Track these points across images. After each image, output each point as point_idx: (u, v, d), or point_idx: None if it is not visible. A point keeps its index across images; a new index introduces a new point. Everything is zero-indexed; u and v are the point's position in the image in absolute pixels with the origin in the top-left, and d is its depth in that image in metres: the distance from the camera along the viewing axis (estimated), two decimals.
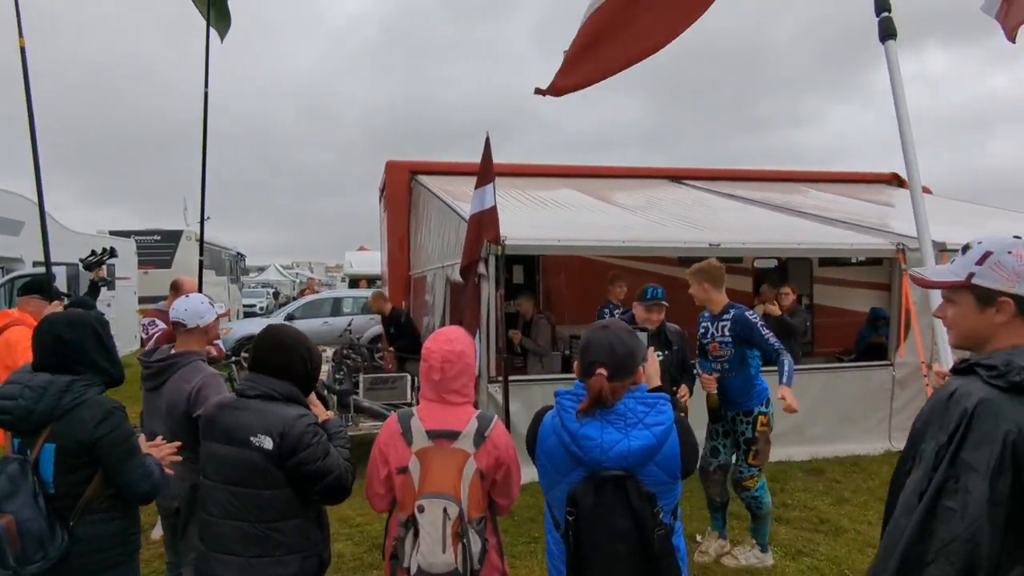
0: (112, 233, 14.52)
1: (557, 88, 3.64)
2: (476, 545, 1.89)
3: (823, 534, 4.25)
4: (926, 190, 10.93)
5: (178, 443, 2.30)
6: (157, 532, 4.50)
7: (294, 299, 20.83)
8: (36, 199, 4.35)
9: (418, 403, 2.13)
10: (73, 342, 2.12)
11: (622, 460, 1.74)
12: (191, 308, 2.83)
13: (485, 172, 5.23)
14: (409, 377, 6.23)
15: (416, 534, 1.86)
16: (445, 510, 1.85)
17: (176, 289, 4.82)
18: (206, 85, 4.27)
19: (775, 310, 6.35)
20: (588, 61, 3.55)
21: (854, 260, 9.71)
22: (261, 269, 40.08)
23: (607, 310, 6.03)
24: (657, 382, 1.99)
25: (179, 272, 16.12)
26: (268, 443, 1.98)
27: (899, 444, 6.19)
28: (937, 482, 1.29)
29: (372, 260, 17.48)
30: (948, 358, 2.72)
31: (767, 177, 10.69)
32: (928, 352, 6.11)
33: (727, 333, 3.84)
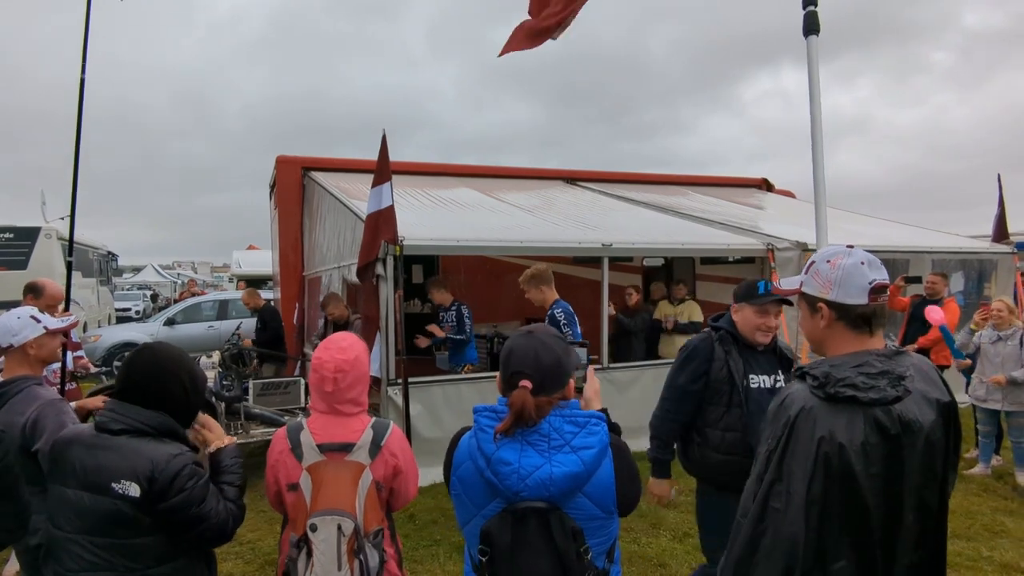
0: None
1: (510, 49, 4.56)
2: (373, 559, 1.85)
3: None
4: (789, 194, 12.08)
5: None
6: (11, 568, 4.06)
7: (174, 302, 19.34)
8: None
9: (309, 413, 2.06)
10: None
11: (542, 489, 1.48)
12: (1, 325, 2.35)
13: (382, 171, 5.14)
14: (303, 381, 6.03)
15: (309, 554, 1.80)
16: (340, 527, 1.80)
17: (34, 293, 4.35)
18: (83, 71, 3.85)
19: (611, 310, 6.65)
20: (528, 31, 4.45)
21: (731, 259, 10.53)
22: (137, 270, 36.90)
23: None
24: (597, 406, 1.71)
25: (37, 273, 14.50)
26: (135, 490, 1.71)
27: None
28: (766, 485, 1.40)
29: (262, 260, 16.59)
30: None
31: (654, 180, 11.29)
32: (795, 345, 6.75)
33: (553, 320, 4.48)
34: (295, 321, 8.84)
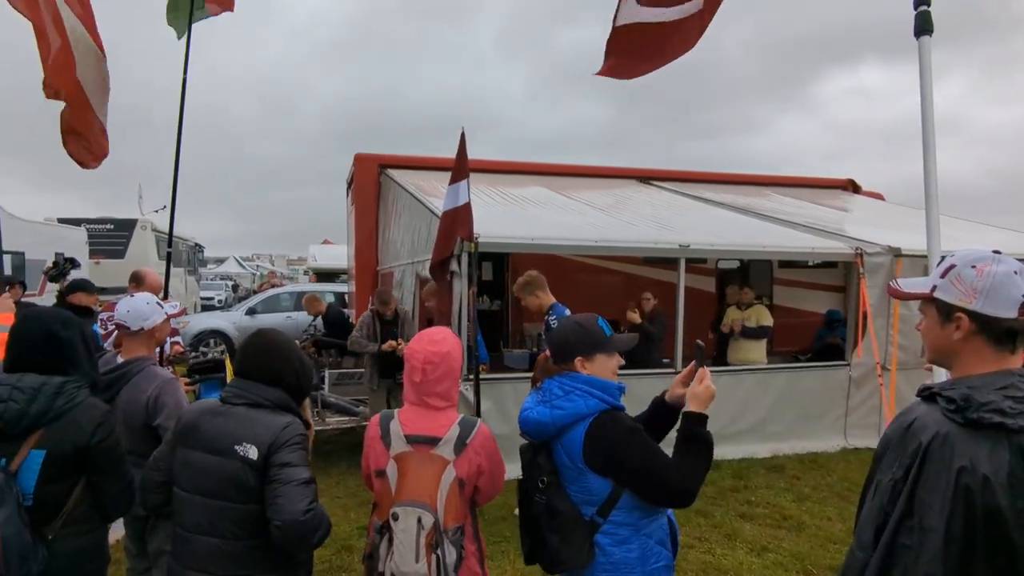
0: (61, 221, 13.87)
1: (610, 71, 4.24)
2: (451, 556, 1.86)
3: (786, 530, 4.38)
4: (878, 196, 11.40)
5: None
6: (115, 534, 4.34)
7: (254, 292, 20.32)
8: None
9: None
10: (67, 341, 2.00)
11: (525, 426, 1.92)
12: (134, 309, 2.56)
13: (459, 168, 5.18)
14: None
15: (390, 541, 1.83)
16: (420, 519, 1.82)
17: (137, 282, 4.63)
18: (185, 71, 4.12)
19: (635, 317, 6.36)
20: (634, 56, 4.13)
21: (810, 263, 10.05)
22: (220, 261, 38.98)
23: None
24: (692, 407, 1.81)
25: (133, 263, 15.55)
26: (254, 452, 1.85)
27: (855, 441, 6.43)
28: (895, 519, 1.27)
29: (337, 254, 17.18)
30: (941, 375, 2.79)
31: (731, 180, 10.92)
32: (883, 353, 6.37)
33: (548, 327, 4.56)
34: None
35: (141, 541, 2.75)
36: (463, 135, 5.24)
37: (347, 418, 6.27)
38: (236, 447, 1.87)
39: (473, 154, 5.16)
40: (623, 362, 1.99)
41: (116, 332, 4.18)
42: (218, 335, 12.28)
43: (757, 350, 6.75)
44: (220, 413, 1.95)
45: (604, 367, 1.91)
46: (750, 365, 6.59)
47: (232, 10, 5.19)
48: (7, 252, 4.59)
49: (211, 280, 27.71)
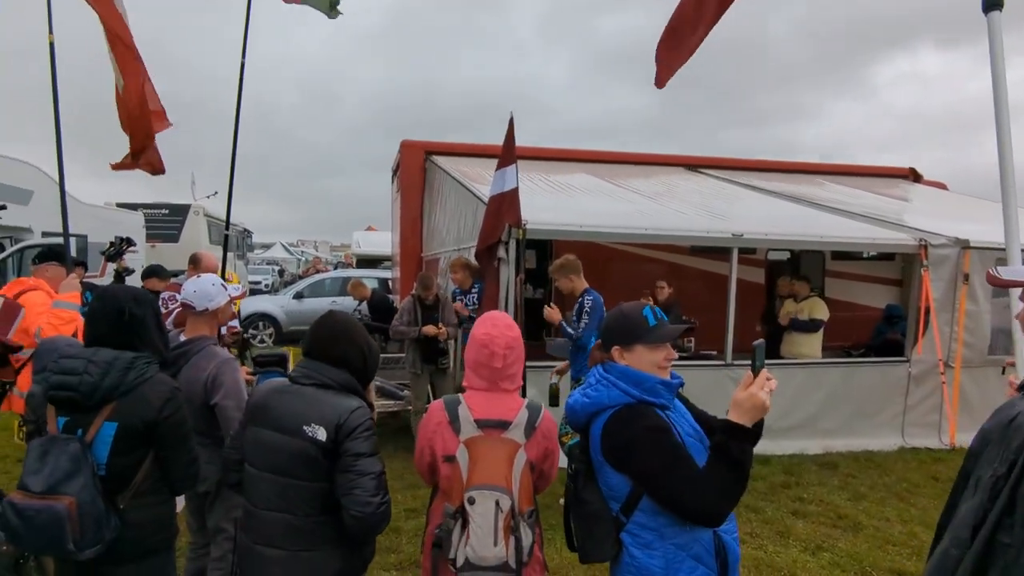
0: (120, 206, 14.40)
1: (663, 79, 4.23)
2: (527, 538, 1.83)
3: (841, 530, 4.23)
4: (941, 185, 10.87)
5: None
6: (179, 505, 4.50)
7: (299, 277, 20.77)
8: (45, 169, 4.31)
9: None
10: (139, 318, 2.06)
11: (565, 412, 1.90)
12: (200, 290, 2.62)
13: (507, 153, 5.14)
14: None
15: (464, 525, 1.81)
16: (497, 503, 1.80)
17: (195, 264, 4.75)
18: (243, 55, 4.21)
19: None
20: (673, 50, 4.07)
21: (865, 255, 9.65)
22: (267, 246, 39.96)
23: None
24: (734, 415, 1.61)
25: (187, 246, 16.05)
26: (322, 433, 1.88)
27: (912, 441, 6.18)
28: (994, 517, 1.23)
29: (380, 241, 17.39)
30: None
31: (784, 168, 10.58)
32: (946, 350, 6.09)
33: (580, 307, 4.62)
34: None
35: (201, 517, 2.83)
36: (511, 120, 5.19)
37: (392, 402, 6.34)
38: (305, 427, 1.89)
39: (517, 141, 5.10)
40: (675, 355, 1.85)
41: (176, 311, 4.32)
42: (266, 318, 12.59)
43: (809, 344, 6.52)
44: (288, 392, 1.98)
45: (643, 359, 1.78)
46: (802, 359, 6.39)
47: None
48: (72, 235, 4.75)
49: (258, 265, 28.43)
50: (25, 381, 3.68)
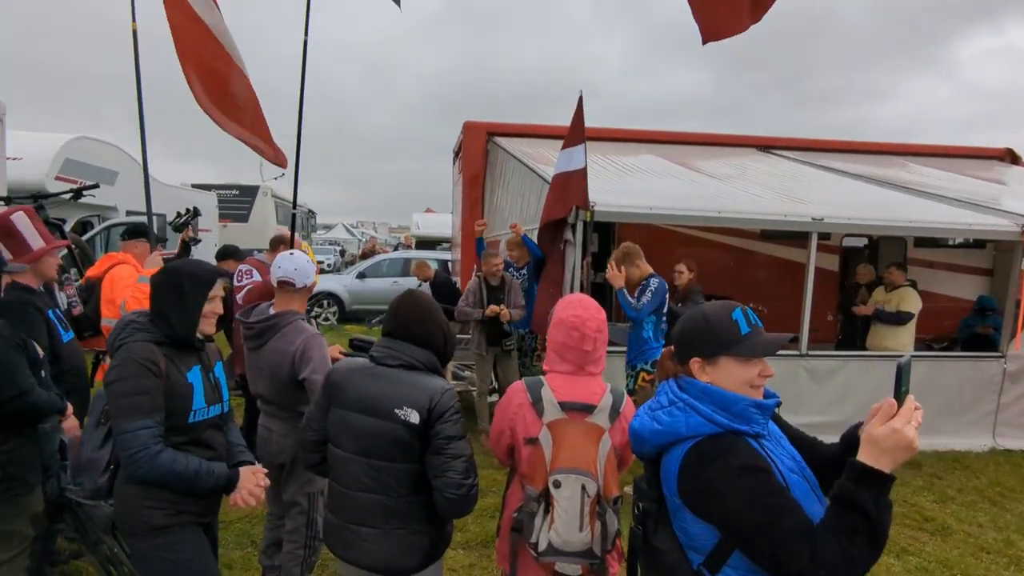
0: (194, 186, 15.03)
1: (711, 36, 3.61)
2: (613, 524, 1.79)
3: (928, 533, 3.98)
4: None
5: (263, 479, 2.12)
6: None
7: (360, 258, 21.24)
8: (130, 152, 4.52)
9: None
10: (154, 287, 2.03)
11: (629, 436, 1.53)
12: (300, 267, 2.66)
13: (575, 132, 5.03)
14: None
15: (548, 509, 1.77)
16: (584, 487, 1.76)
17: (280, 244, 4.84)
18: (306, 33, 4.24)
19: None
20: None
21: (952, 242, 9.02)
22: (329, 227, 41.10)
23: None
24: (872, 457, 1.19)
25: (255, 226, 16.64)
26: (415, 416, 1.85)
27: (1006, 442, 5.77)
28: None
29: (439, 222, 17.54)
30: None
31: (862, 149, 9.97)
32: None
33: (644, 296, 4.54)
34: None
35: (277, 487, 2.90)
36: (580, 98, 5.07)
37: (456, 383, 6.38)
38: (396, 411, 1.86)
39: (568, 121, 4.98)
40: (772, 372, 1.44)
41: (249, 287, 4.42)
42: (331, 297, 12.93)
43: (895, 337, 6.11)
44: (374, 374, 1.94)
45: (731, 375, 1.40)
46: (887, 352, 6.03)
47: None
48: (153, 214, 4.95)
49: (320, 245, 29.26)
50: None
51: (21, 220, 3.28)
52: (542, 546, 1.78)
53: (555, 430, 1.86)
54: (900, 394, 1.20)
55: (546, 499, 1.78)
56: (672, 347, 1.52)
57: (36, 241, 3.28)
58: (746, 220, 5.59)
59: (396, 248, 23.71)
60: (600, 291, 8.78)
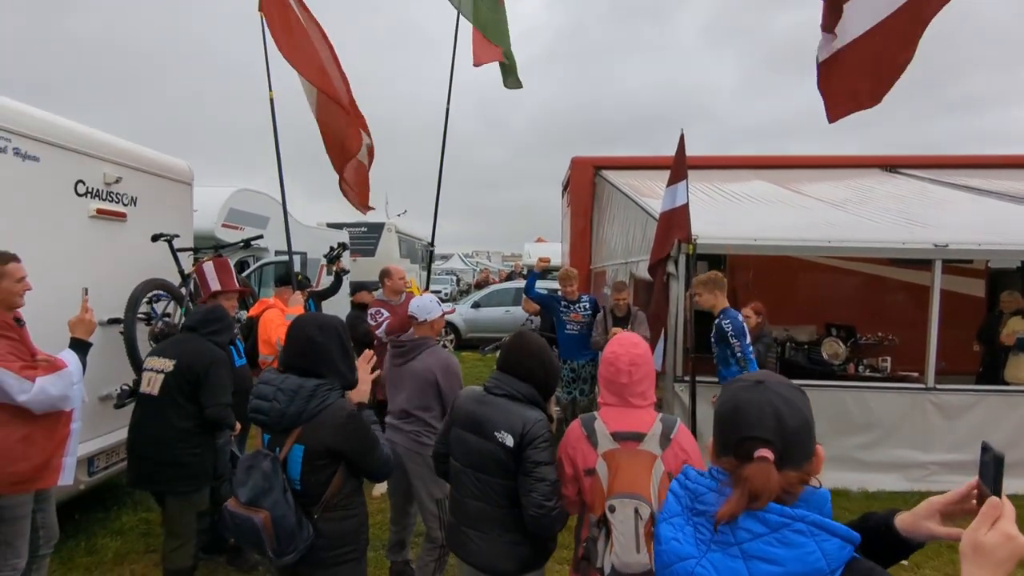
0: (329, 226, 16.57)
1: (841, 109, 3.49)
2: None
3: None
4: None
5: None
6: (378, 490, 5.20)
7: (475, 288, 22.15)
8: (279, 198, 5.37)
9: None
10: (322, 346, 2.17)
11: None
12: (421, 306, 3.37)
13: (677, 169, 5.18)
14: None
15: (608, 534, 1.92)
16: (636, 510, 1.89)
17: (388, 276, 5.47)
18: (448, 102, 4.93)
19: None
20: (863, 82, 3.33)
21: None
22: (445, 257, 43.05)
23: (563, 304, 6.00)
24: (982, 569, 0.93)
25: (382, 260, 17.99)
26: (510, 440, 2.15)
27: None
28: None
29: (550, 251, 17.98)
30: None
31: (1002, 163, 9.11)
32: None
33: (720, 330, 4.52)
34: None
35: (400, 494, 3.49)
36: (682, 136, 5.22)
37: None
38: (496, 433, 2.19)
39: (688, 152, 5.12)
40: None
41: (386, 321, 5.02)
42: (448, 325, 13.70)
43: None
44: (483, 402, 2.30)
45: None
46: None
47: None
48: (297, 253, 5.78)
49: (438, 276, 30.78)
50: None
51: (208, 268, 4.08)
52: (607, 570, 1.91)
53: (610, 460, 2.02)
54: (998, 491, 0.99)
55: (605, 525, 1.93)
56: (770, 458, 1.09)
57: (215, 284, 4.04)
58: (857, 248, 5.41)
59: (509, 276, 24.51)
60: (708, 319, 8.68)
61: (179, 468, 3.17)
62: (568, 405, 5.92)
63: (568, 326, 6.01)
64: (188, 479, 3.22)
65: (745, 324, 4.64)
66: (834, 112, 3.45)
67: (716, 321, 4.62)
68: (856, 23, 3.15)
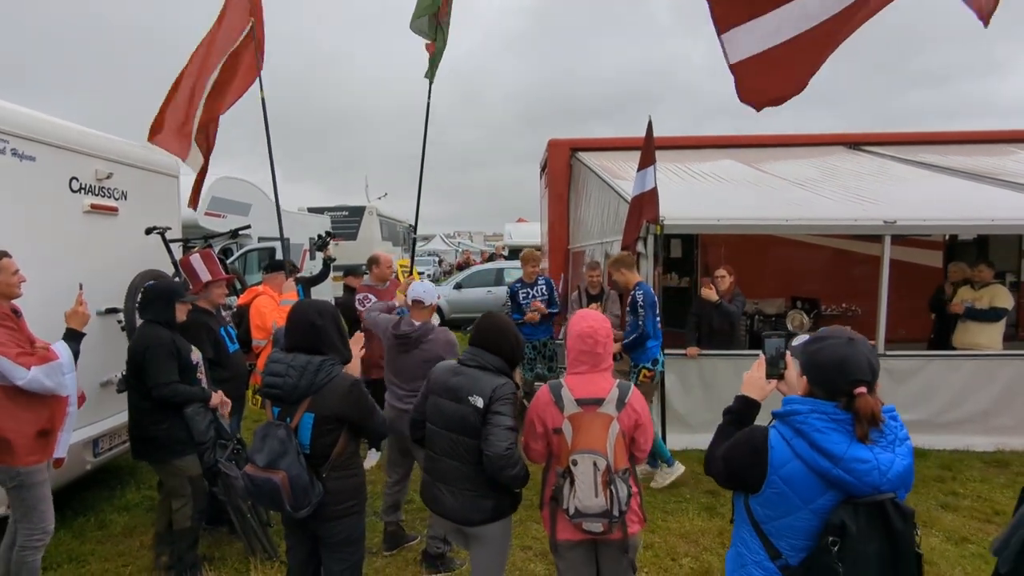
0: (310, 210, 16.63)
1: (763, 102, 3.50)
2: (623, 491, 2.31)
3: (995, 525, 4.08)
4: None
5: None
6: (369, 462, 5.51)
7: (457, 269, 22.37)
8: (260, 185, 5.55)
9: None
10: (322, 328, 2.52)
11: (899, 481, 1.60)
12: (428, 291, 3.66)
13: (646, 155, 5.46)
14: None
15: (572, 482, 2.32)
16: (595, 463, 2.29)
17: (376, 263, 5.72)
18: (429, 97, 5.14)
19: (712, 295, 5.61)
20: (788, 70, 3.35)
21: None
22: (427, 239, 43.12)
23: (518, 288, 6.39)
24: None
25: (363, 243, 18.08)
26: (480, 402, 2.49)
27: None
28: None
29: (530, 231, 18.26)
30: None
31: (967, 139, 9.49)
32: None
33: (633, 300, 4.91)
34: (559, 290, 9.74)
35: (398, 457, 3.81)
36: (650, 123, 5.50)
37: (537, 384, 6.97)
38: (469, 397, 2.52)
39: (659, 128, 5.38)
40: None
41: (368, 305, 5.28)
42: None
43: (987, 334, 6.03)
44: (458, 372, 2.63)
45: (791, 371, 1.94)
46: (978, 350, 5.95)
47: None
48: (277, 239, 5.97)
49: (420, 256, 30.93)
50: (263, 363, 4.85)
51: (196, 260, 4.29)
52: (571, 511, 2.33)
53: (574, 421, 2.40)
54: (771, 359, 1.93)
55: (570, 475, 2.33)
56: (865, 392, 1.63)
57: (205, 276, 4.27)
58: (813, 227, 5.76)
59: (491, 257, 24.75)
60: (682, 295, 9.05)
61: (151, 441, 3.51)
62: (530, 383, 6.20)
63: (529, 313, 6.26)
64: (161, 449, 3.51)
65: (655, 297, 4.99)
66: (742, 97, 3.48)
67: (632, 292, 4.93)
68: (790, 26, 3.31)
